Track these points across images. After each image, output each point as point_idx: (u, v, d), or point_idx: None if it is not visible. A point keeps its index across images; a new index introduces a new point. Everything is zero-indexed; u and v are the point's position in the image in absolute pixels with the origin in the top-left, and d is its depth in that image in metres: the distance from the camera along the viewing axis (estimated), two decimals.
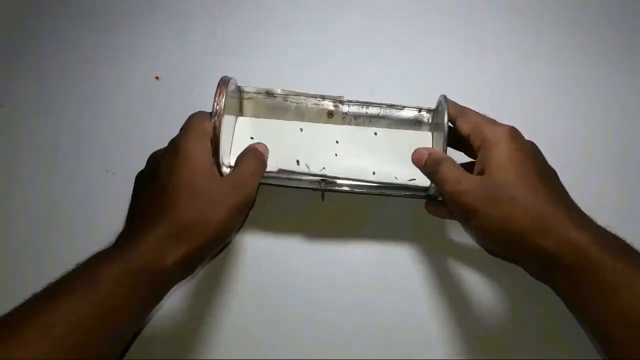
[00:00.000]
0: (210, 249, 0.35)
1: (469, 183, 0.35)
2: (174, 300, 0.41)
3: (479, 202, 0.34)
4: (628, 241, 0.33)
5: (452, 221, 0.44)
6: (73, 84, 0.51)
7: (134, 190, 0.38)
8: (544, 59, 0.53)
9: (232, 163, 0.42)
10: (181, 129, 0.39)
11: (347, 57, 0.53)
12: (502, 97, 0.51)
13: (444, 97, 0.40)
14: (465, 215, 0.35)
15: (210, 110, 0.38)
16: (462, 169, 0.37)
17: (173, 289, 0.34)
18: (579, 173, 0.46)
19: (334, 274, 0.42)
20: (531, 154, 0.36)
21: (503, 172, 0.34)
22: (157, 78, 0.51)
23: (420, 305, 0.41)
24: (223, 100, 0.38)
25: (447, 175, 0.36)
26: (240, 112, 0.45)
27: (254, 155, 0.39)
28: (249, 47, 0.53)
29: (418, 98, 0.44)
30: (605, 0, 0.56)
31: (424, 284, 0.42)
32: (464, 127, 0.38)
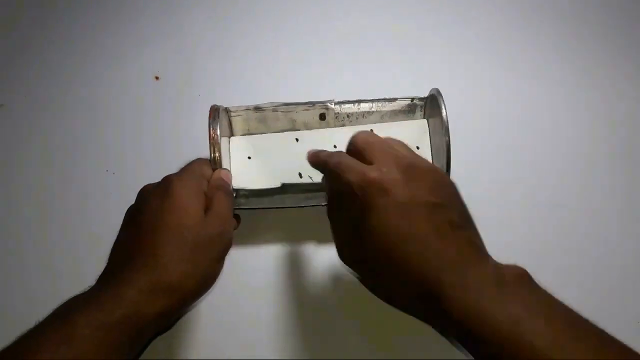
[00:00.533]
0: (194, 300, 0.35)
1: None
2: None
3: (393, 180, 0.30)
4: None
5: None
6: (73, 83, 0.51)
7: (123, 223, 0.37)
8: (545, 58, 0.52)
9: (235, 185, 0.42)
10: (179, 170, 0.38)
11: (348, 54, 0.52)
12: (502, 96, 0.50)
13: (437, 90, 0.41)
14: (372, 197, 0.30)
15: (208, 155, 0.37)
16: None
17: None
18: (583, 173, 0.46)
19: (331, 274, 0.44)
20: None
21: None
22: (157, 78, 0.51)
23: None
24: (219, 151, 0.38)
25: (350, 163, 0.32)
26: (230, 130, 0.44)
27: (227, 192, 0.38)
28: (249, 47, 0.52)
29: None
30: None
31: None
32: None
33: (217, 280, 0.36)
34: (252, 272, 0.43)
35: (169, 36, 0.53)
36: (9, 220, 0.45)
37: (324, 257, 0.44)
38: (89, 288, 0.33)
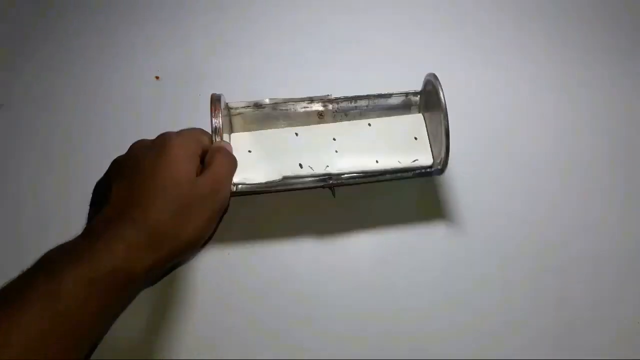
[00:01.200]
0: (180, 258, 0.35)
1: None
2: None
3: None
4: None
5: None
6: (73, 83, 0.51)
7: (109, 172, 0.36)
8: (546, 56, 0.54)
9: (235, 180, 0.41)
10: (178, 131, 0.38)
11: (347, 51, 0.53)
12: (503, 96, 0.51)
13: (433, 75, 0.41)
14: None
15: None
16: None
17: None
18: (586, 172, 0.47)
19: (335, 270, 0.42)
20: None
21: None
22: (157, 78, 0.51)
23: (420, 302, 0.41)
24: (220, 117, 0.38)
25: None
26: (230, 129, 0.44)
27: (227, 154, 0.38)
28: (250, 46, 0.53)
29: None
30: None
31: (425, 278, 0.42)
32: None
33: (208, 239, 0.36)
34: (251, 272, 0.42)
35: (170, 36, 0.54)
36: (8, 220, 0.44)
37: (324, 256, 0.43)
38: (75, 237, 0.32)
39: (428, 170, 0.43)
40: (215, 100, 0.40)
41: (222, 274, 0.41)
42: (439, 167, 0.41)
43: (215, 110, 0.39)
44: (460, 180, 0.46)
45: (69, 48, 0.53)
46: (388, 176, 0.42)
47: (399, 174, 0.42)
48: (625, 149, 0.48)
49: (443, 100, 0.39)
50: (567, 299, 0.41)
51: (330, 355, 0.38)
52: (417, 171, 0.43)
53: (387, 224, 0.44)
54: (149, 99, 0.50)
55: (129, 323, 0.38)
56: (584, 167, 0.47)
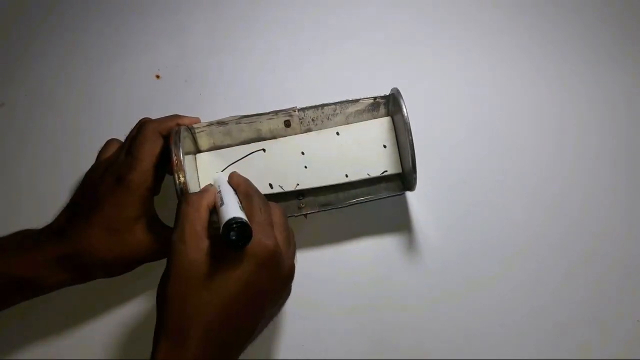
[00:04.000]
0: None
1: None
2: None
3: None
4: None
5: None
6: (73, 82, 0.51)
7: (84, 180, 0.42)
8: (546, 56, 0.50)
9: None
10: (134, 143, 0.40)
11: (351, 52, 0.51)
12: (504, 95, 0.49)
13: (396, 90, 0.41)
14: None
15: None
16: None
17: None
18: (587, 172, 0.47)
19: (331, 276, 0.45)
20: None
21: None
22: (157, 77, 0.50)
23: (420, 302, 0.44)
24: (181, 155, 0.38)
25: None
26: (196, 147, 0.43)
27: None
28: (250, 46, 0.51)
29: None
30: None
31: (419, 281, 0.44)
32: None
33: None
34: None
35: (170, 35, 0.52)
36: (8, 220, 0.46)
37: (317, 261, 0.45)
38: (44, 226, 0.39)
39: (398, 194, 0.44)
40: (175, 147, 0.38)
41: None
42: (409, 182, 0.42)
43: (176, 164, 0.38)
44: (460, 180, 0.47)
45: (70, 47, 0.51)
46: (361, 198, 0.43)
47: (370, 197, 0.43)
48: (627, 149, 0.48)
49: (406, 116, 0.39)
50: (568, 300, 0.44)
51: None
52: (385, 192, 0.44)
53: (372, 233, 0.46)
54: (150, 97, 0.49)
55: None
56: (585, 167, 0.47)
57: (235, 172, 0.41)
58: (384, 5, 0.52)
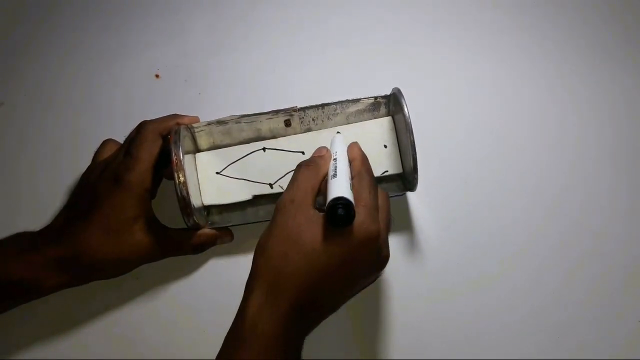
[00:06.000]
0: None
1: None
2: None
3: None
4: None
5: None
6: (73, 82, 0.51)
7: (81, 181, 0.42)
8: (546, 56, 0.50)
9: (206, 202, 0.42)
10: (134, 139, 0.40)
11: (351, 52, 0.51)
12: (504, 95, 0.49)
13: (398, 90, 0.41)
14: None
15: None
16: None
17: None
18: (587, 172, 0.47)
19: None
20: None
21: None
22: (157, 76, 0.50)
23: (419, 303, 0.44)
24: (181, 155, 0.38)
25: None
26: (195, 146, 0.43)
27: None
28: (250, 45, 0.51)
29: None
30: None
31: (419, 280, 0.44)
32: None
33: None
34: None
35: (170, 35, 0.51)
36: (8, 220, 0.46)
37: None
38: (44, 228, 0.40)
39: (398, 194, 0.44)
40: (175, 146, 0.38)
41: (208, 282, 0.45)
42: (410, 183, 0.42)
43: (176, 164, 0.38)
44: (460, 180, 0.47)
45: (69, 47, 0.51)
46: None
47: None
48: (627, 149, 0.48)
49: (407, 116, 0.39)
50: (568, 300, 0.44)
51: None
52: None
53: None
54: (149, 97, 0.49)
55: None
56: (585, 167, 0.47)
57: (355, 143, 0.39)
58: (384, 5, 0.52)
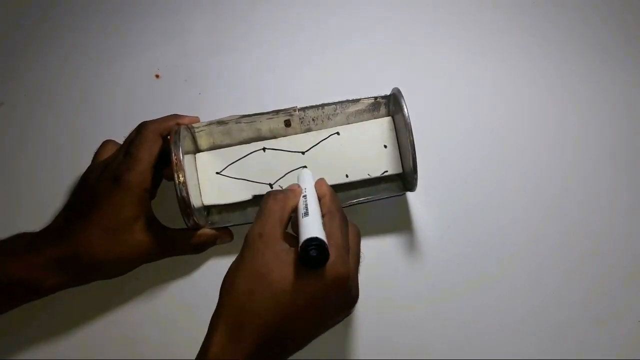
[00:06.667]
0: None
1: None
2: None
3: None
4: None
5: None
6: (73, 82, 0.51)
7: (81, 181, 0.42)
8: (546, 56, 0.50)
9: (206, 202, 0.42)
10: (134, 142, 0.40)
11: (351, 52, 0.51)
12: (504, 95, 0.49)
13: (397, 89, 0.41)
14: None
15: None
16: None
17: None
18: (587, 172, 0.47)
19: None
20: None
21: None
22: (157, 76, 0.50)
23: (419, 303, 0.44)
24: (181, 154, 0.38)
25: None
26: (195, 146, 0.43)
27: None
28: (251, 45, 0.51)
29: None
30: None
31: (418, 281, 0.44)
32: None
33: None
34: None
35: (170, 35, 0.52)
36: (8, 220, 0.46)
37: None
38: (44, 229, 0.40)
39: (398, 194, 0.44)
40: (175, 147, 0.38)
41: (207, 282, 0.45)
42: (410, 183, 0.42)
43: (176, 164, 0.38)
44: (460, 180, 0.47)
45: (70, 47, 0.51)
46: (362, 199, 0.43)
47: (370, 197, 0.43)
48: (627, 149, 0.48)
49: (407, 116, 0.39)
50: (568, 300, 0.44)
51: None
52: (386, 193, 0.44)
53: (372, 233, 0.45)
54: (149, 97, 0.49)
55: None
56: (585, 167, 0.47)
57: (323, 180, 0.38)
58: (384, 5, 0.52)
